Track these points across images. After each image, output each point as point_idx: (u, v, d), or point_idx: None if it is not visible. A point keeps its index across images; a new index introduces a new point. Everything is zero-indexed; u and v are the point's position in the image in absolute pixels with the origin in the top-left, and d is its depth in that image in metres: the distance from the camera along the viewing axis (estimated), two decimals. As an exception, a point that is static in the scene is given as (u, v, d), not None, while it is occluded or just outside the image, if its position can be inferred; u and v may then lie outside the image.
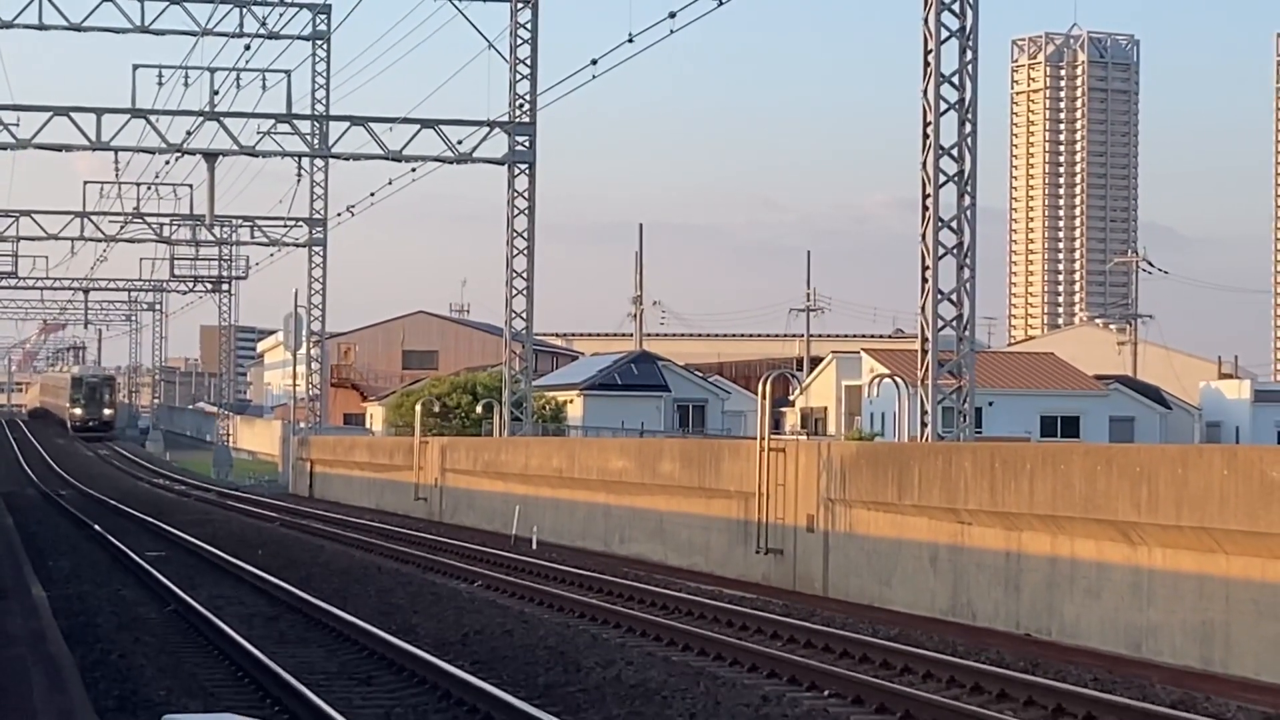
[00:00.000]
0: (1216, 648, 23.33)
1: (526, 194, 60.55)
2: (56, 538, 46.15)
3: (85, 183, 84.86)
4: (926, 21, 37.33)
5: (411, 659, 22.33)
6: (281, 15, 69.21)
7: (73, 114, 59.51)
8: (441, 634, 25.97)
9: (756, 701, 20.13)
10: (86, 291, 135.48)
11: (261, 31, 67.78)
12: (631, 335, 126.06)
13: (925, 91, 37.41)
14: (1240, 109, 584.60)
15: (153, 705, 19.05)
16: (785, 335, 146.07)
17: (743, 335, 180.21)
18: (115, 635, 25.62)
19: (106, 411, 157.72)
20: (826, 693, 21.05)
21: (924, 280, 37.64)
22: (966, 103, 37.49)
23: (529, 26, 60.26)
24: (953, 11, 37.29)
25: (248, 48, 65.19)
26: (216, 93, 64.59)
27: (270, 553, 41.42)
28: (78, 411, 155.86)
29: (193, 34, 65.42)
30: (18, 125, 59.21)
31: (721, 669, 22.97)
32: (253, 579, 34.34)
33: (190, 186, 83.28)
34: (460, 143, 60.76)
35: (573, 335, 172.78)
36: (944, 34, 37.31)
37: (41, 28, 63.09)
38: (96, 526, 48.56)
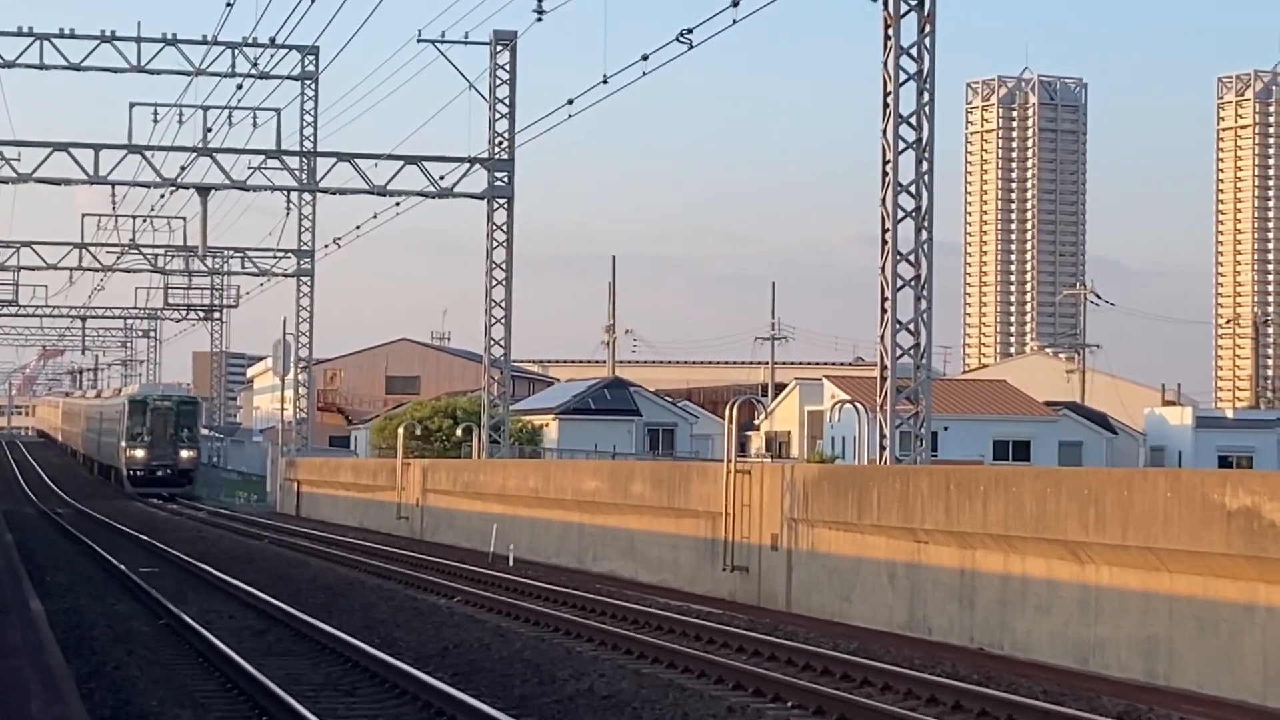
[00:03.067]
0: (1160, 661, 23.36)
1: (505, 227, 60.59)
2: (54, 554, 46.00)
3: (83, 215, 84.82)
4: (886, 66, 37.42)
5: (394, 671, 22.29)
6: (272, 56, 69.11)
7: (72, 150, 59.39)
8: (422, 647, 25.92)
9: (723, 713, 20.13)
10: (84, 319, 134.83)
11: (253, 72, 67.71)
12: (604, 362, 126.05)
13: (885, 132, 37.48)
14: (1183, 149, 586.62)
15: (146, 715, 18.99)
16: (751, 362, 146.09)
17: (711, 362, 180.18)
18: (110, 648, 25.53)
19: (185, 454, 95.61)
20: (790, 704, 21.04)
21: (883, 311, 37.69)
22: (924, 142, 37.56)
23: (507, 68, 60.34)
24: (911, 56, 37.38)
25: (239, 87, 65.21)
26: (209, 130, 64.55)
27: (259, 569, 41.32)
28: (140, 454, 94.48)
29: (187, 74, 65.32)
30: (19, 160, 59.11)
31: (689, 681, 22.94)
32: (242, 594, 34.26)
33: (184, 219, 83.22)
34: (442, 178, 60.76)
35: (549, 362, 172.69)
36: (902, 77, 37.38)
37: (42, 67, 62.96)
38: (92, 543, 48.44)
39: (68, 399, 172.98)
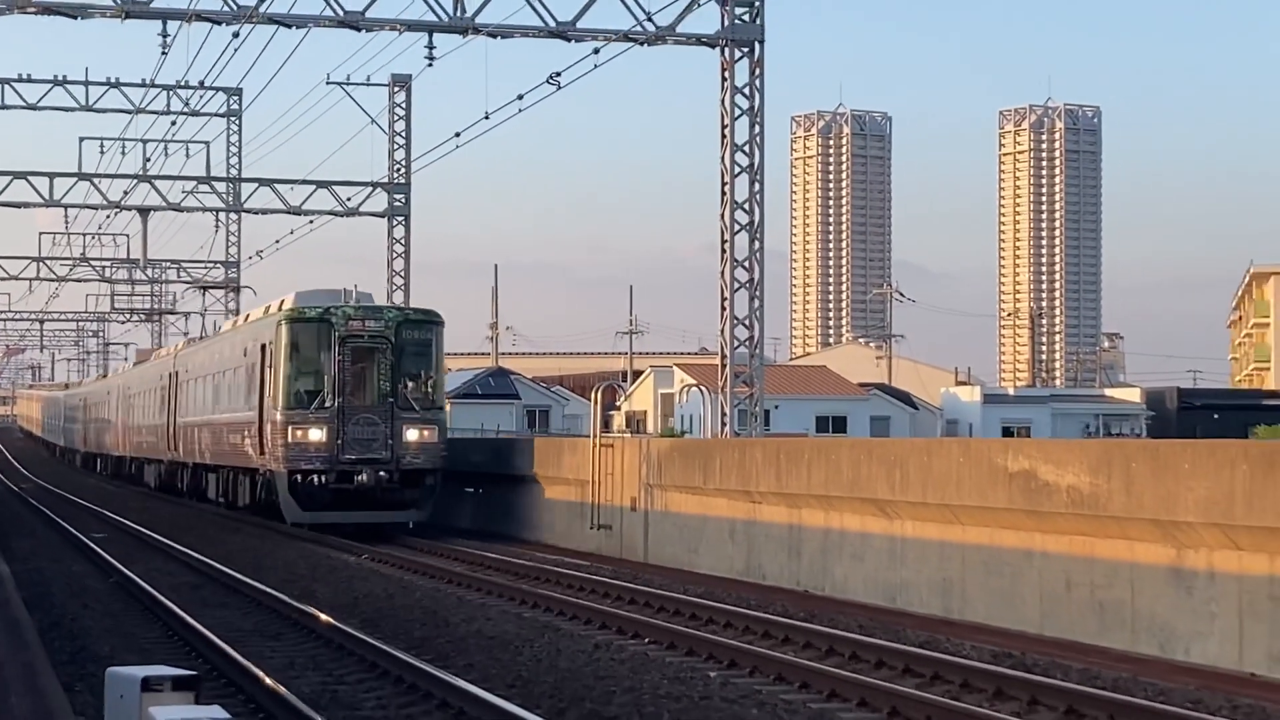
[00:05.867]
0: (955, 599, 23.62)
1: (403, 241, 60.23)
2: (18, 523, 45.31)
3: (40, 233, 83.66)
4: (723, 103, 37.57)
5: (311, 619, 22.16)
6: (201, 97, 68.28)
7: (30, 177, 58.59)
8: (336, 598, 25.76)
9: (590, 649, 20.16)
10: (42, 322, 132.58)
11: (185, 110, 66.96)
12: (489, 354, 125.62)
13: (723, 158, 37.63)
14: (971, 170, 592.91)
15: (99, 659, 18.77)
16: (613, 353, 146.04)
17: (579, 353, 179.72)
18: (67, 602, 25.21)
19: (414, 436, 38.10)
20: (647, 640, 21.10)
21: (723, 308, 37.85)
22: (755, 167, 37.74)
23: (403, 105, 60.07)
24: (744, 95, 37.55)
25: (174, 123, 64.52)
26: (148, 159, 64.01)
27: (196, 535, 40.85)
28: (317, 436, 37.77)
29: (129, 112, 64.49)
30: (-17, 187, 58.25)
31: (563, 623, 22.95)
32: (181, 555, 33.87)
33: (128, 236, 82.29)
34: (349, 199, 60.34)
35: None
36: (737, 113, 37.54)
37: (3, 107, 61.90)
38: (52, 514, 47.79)
39: (89, 385, 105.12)
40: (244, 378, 42.51)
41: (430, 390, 38.48)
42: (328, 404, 37.89)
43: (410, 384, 38.25)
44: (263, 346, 40.07)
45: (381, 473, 37.81)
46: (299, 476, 38.13)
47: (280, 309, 40.61)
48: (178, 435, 54.70)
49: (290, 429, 37.98)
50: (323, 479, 38.00)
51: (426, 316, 39.47)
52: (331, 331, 38.14)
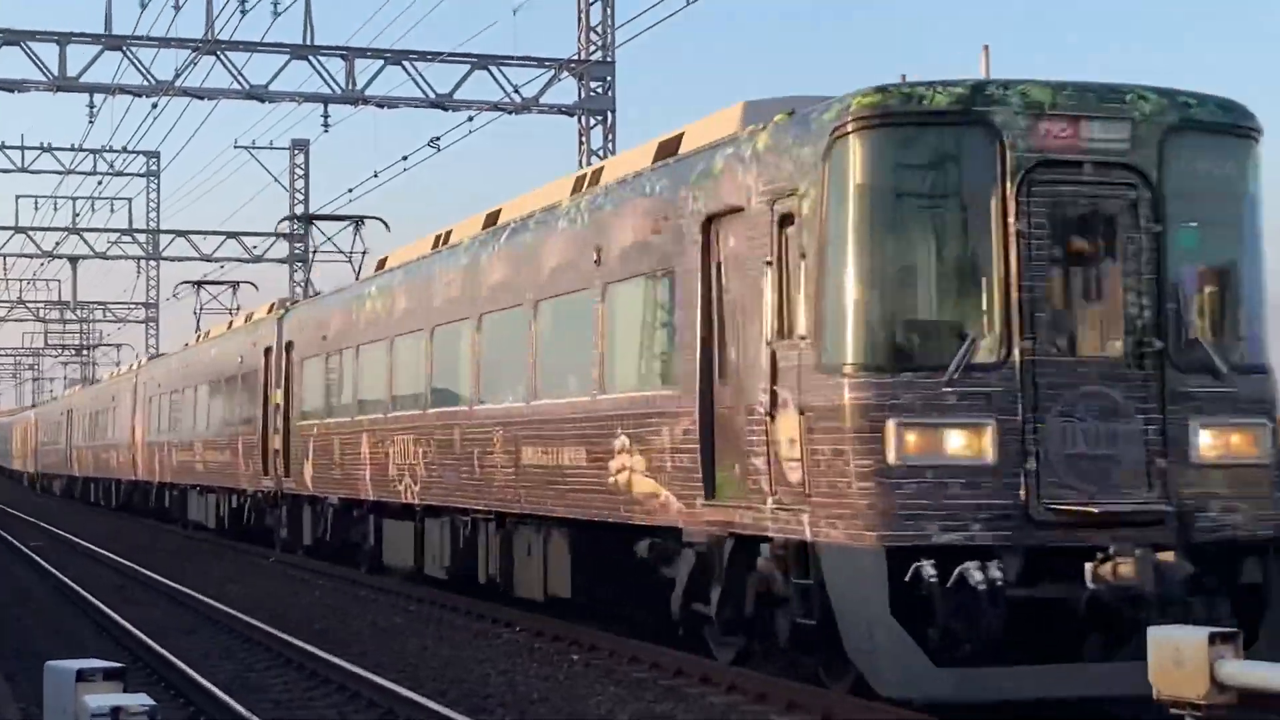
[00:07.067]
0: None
1: (303, 284, 59.99)
2: None
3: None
4: (581, 164, 37.78)
5: (226, 615, 21.98)
6: (124, 159, 67.29)
7: (-29, 230, 57.84)
8: (247, 596, 25.52)
9: (471, 636, 20.21)
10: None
11: (110, 171, 66.18)
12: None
13: (581, 211, 37.81)
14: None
15: (38, 654, 18.49)
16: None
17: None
18: (8, 603, 24.79)
19: (1216, 448, 10.08)
20: (518, 628, 21.13)
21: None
22: (609, 219, 37.96)
23: (303, 166, 60.04)
24: (599, 156, 37.72)
25: (100, 182, 64.08)
26: (77, 214, 63.58)
27: (122, 541, 40.22)
28: (968, 446, 9.69)
29: (60, 173, 63.56)
30: (-72, 238, 57.27)
31: (445, 614, 22.91)
32: (109, 560, 33.39)
33: (59, 281, 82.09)
34: (255, 247, 60.12)
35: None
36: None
37: (-55, 169, 60.96)
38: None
39: (78, 393, 71.04)
40: (623, 317, 15.86)
41: (1247, 319, 11.61)
42: (993, 356, 10.87)
43: (1202, 304, 11.40)
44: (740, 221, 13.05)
45: (1158, 557, 10.64)
46: (926, 563, 10.60)
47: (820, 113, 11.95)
48: (295, 450, 29.36)
49: (896, 425, 10.76)
50: (993, 574, 10.54)
51: (1226, 117, 11.80)
52: (998, 153, 10.90)
